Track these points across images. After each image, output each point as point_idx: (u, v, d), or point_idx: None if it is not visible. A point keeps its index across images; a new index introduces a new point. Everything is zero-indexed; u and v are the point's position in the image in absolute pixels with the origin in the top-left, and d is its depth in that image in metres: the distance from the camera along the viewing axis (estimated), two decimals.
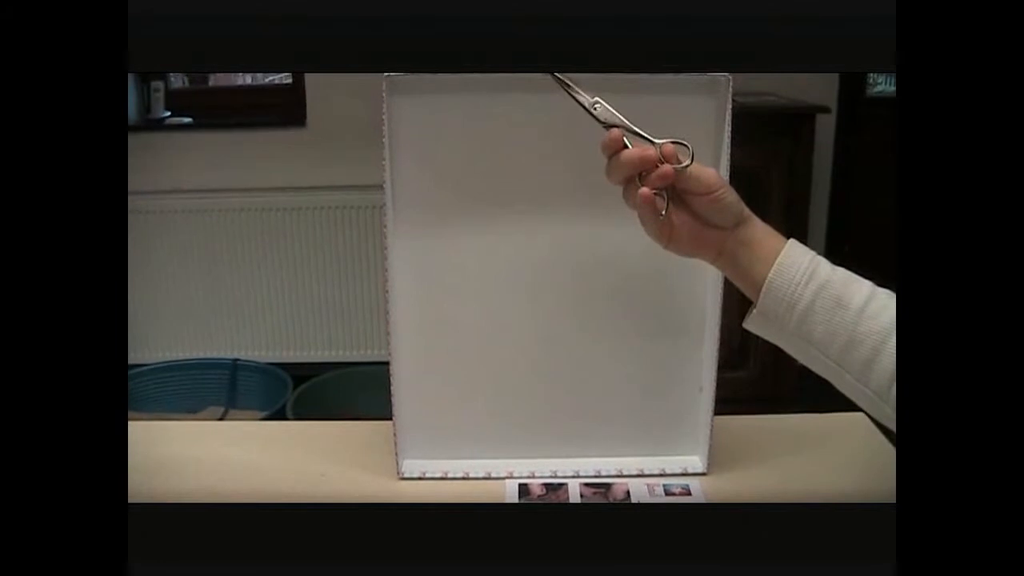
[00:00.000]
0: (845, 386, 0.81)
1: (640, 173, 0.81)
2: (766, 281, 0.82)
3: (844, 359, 0.80)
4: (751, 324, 0.85)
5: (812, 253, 0.83)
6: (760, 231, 0.84)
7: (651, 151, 0.80)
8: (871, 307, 0.79)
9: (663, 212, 0.81)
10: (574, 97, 0.83)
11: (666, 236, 0.83)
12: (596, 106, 0.83)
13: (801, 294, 0.81)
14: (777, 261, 0.82)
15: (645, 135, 0.82)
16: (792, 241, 0.84)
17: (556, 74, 0.83)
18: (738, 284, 0.86)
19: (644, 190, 0.80)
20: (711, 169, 0.82)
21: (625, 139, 0.81)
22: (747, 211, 0.84)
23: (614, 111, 0.82)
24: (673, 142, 0.81)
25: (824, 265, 0.82)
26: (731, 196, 0.82)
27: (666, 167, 0.80)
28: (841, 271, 0.83)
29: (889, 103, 3.22)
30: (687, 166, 0.80)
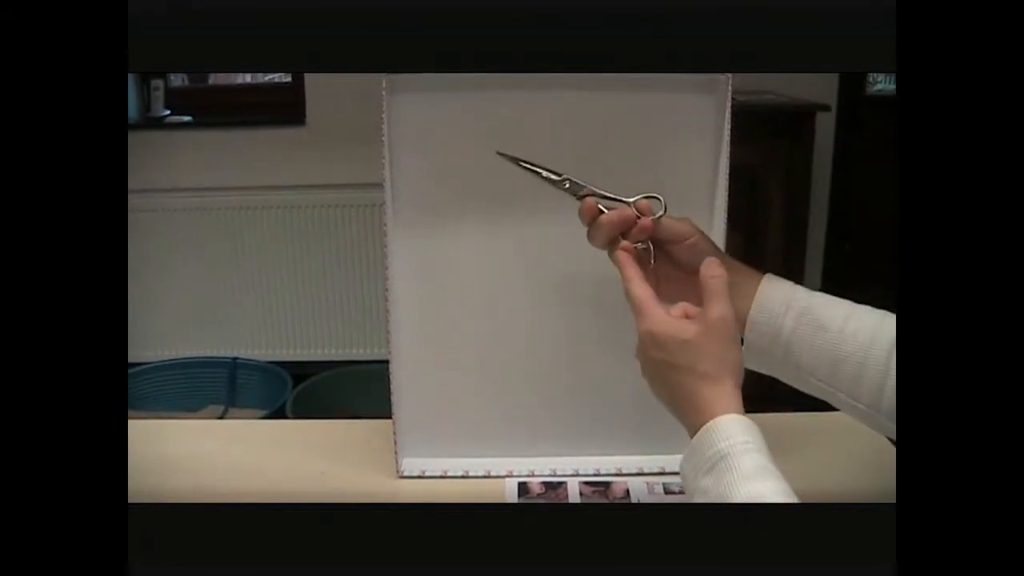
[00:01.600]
0: (840, 404, 0.85)
1: (621, 232, 0.85)
2: (748, 318, 0.85)
3: (833, 379, 0.83)
4: (745, 361, 0.86)
5: (789, 283, 0.87)
6: (738, 270, 0.87)
7: (628, 211, 0.85)
8: (850, 325, 0.82)
9: (652, 262, 0.86)
10: (542, 177, 0.88)
11: (652, 288, 0.86)
12: (566, 183, 0.87)
13: (783, 324, 0.84)
14: (756, 296, 0.86)
15: (617, 197, 0.86)
16: (768, 275, 0.88)
17: (520, 162, 0.88)
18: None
19: (625, 243, 0.84)
20: (684, 218, 0.86)
21: (599, 205, 0.85)
22: (724, 253, 0.88)
23: (583, 182, 0.86)
24: (645, 197, 0.85)
25: (802, 293, 0.85)
26: (705, 242, 0.87)
27: (645, 220, 0.84)
28: (819, 295, 0.86)
29: (889, 101, 3.21)
30: (661, 216, 0.85)
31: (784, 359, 0.85)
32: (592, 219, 0.85)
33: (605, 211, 0.85)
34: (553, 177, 0.87)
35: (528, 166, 0.88)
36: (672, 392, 0.78)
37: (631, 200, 0.85)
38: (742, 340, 0.86)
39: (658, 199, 0.85)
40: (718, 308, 0.77)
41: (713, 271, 0.79)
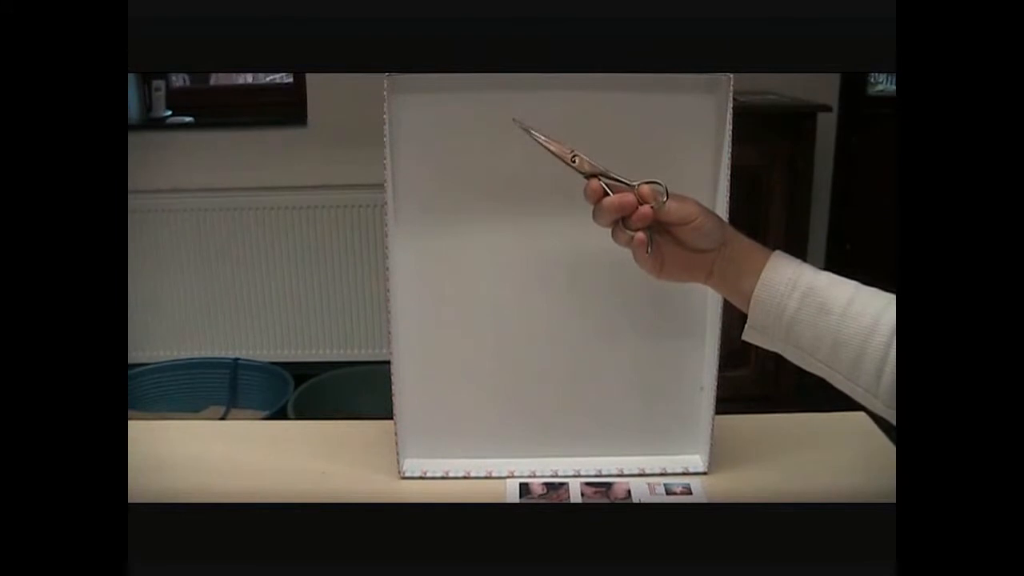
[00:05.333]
0: (839, 384, 0.85)
1: (623, 216, 0.85)
2: (753, 295, 0.86)
3: (833, 360, 0.83)
4: (748, 336, 0.89)
5: (797, 262, 0.87)
6: (745, 247, 0.88)
7: (629, 196, 0.84)
8: (853, 308, 0.82)
9: (649, 249, 0.85)
10: (551, 151, 0.87)
11: (657, 268, 0.88)
12: (575, 158, 0.86)
13: (786, 304, 0.84)
14: (762, 275, 0.86)
15: (622, 180, 0.85)
16: (777, 253, 0.87)
17: (532, 131, 0.87)
18: (731, 300, 0.90)
19: (639, 235, 0.85)
20: (689, 200, 0.86)
21: (605, 185, 0.85)
22: (730, 230, 0.88)
23: (592, 160, 0.86)
24: (648, 182, 0.84)
25: (808, 272, 0.85)
26: (711, 221, 0.86)
27: (644, 208, 0.84)
28: (825, 275, 0.86)
29: (891, 102, 3.21)
30: (664, 203, 0.84)
31: (785, 338, 0.85)
32: (597, 200, 0.85)
33: (610, 193, 0.85)
34: (563, 151, 0.86)
35: (539, 137, 0.87)
36: None
37: (635, 184, 0.85)
38: (746, 318, 0.87)
39: (660, 184, 0.84)
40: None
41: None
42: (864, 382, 0.81)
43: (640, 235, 0.85)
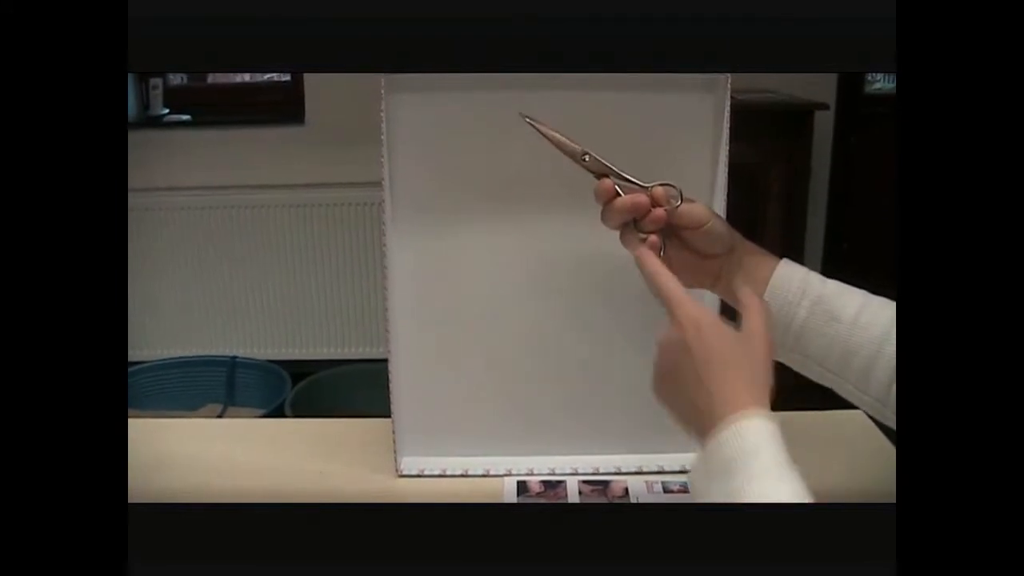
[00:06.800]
0: (847, 395, 0.84)
1: (634, 218, 0.83)
2: None
3: (842, 370, 0.82)
4: None
5: (804, 270, 0.85)
6: (752, 253, 0.86)
7: (642, 197, 0.83)
8: (863, 317, 0.81)
9: (662, 253, 0.83)
10: (562, 150, 0.85)
11: None
12: (586, 157, 0.85)
13: (795, 313, 0.83)
14: (770, 283, 0.84)
15: (635, 180, 0.84)
16: (784, 261, 0.86)
17: (542, 128, 0.86)
18: (737, 307, 0.86)
19: (652, 239, 0.83)
20: (699, 203, 0.84)
21: (616, 186, 0.83)
22: (738, 236, 0.86)
23: (603, 160, 0.84)
24: (662, 184, 0.83)
25: (816, 281, 0.84)
26: (721, 225, 0.85)
27: (658, 210, 0.82)
28: (832, 284, 0.84)
29: (888, 100, 3.21)
30: (678, 207, 0.83)
31: (793, 346, 0.84)
32: (607, 200, 0.83)
33: (621, 194, 0.83)
34: (573, 149, 0.85)
35: (550, 133, 0.85)
36: (695, 394, 0.75)
37: (648, 186, 0.83)
38: None
39: (674, 187, 0.83)
40: (766, 328, 0.75)
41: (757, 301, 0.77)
42: (875, 391, 0.80)
43: (653, 239, 0.83)
